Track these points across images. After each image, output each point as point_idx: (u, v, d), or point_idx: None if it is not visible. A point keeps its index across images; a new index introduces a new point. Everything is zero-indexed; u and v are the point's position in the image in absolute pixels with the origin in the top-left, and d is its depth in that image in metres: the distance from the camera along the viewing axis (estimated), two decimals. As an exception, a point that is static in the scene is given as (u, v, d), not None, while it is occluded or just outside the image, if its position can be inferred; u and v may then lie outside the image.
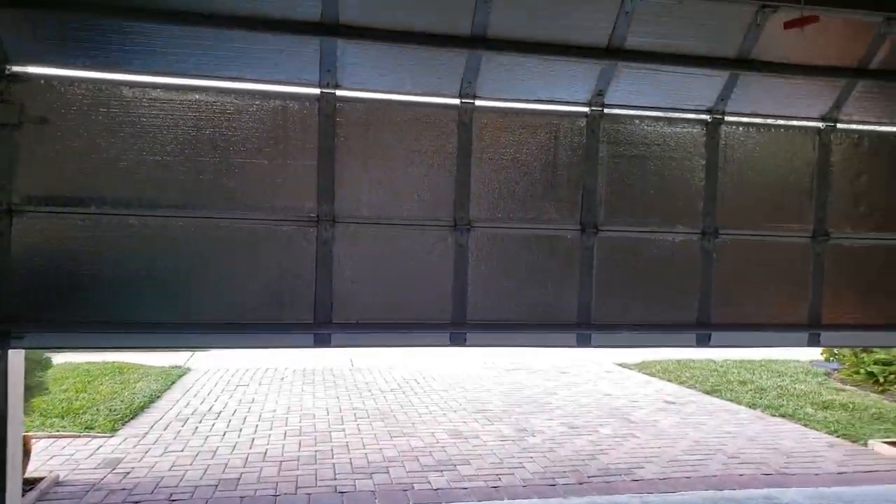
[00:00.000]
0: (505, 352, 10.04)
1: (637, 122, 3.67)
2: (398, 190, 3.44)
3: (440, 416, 6.29)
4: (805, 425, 6.25)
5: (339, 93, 3.32)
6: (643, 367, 9.11)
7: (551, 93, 3.56)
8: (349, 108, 3.33)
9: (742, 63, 3.50)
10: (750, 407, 6.97)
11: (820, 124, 3.89)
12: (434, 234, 3.51)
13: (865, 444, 5.64)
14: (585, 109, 3.60)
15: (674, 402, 7.16)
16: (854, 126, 3.94)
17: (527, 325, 3.69)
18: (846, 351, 8.49)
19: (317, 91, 3.30)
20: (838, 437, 5.88)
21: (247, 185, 3.26)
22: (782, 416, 6.61)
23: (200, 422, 5.92)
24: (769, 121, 3.82)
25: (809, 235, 3.97)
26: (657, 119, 3.70)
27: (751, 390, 7.67)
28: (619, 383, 8.17)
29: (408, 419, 6.17)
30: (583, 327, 3.75)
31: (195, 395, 6.94)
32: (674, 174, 3.76)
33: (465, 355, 9.75)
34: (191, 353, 9.41)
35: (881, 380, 7.98)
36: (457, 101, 3.46)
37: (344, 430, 5.78)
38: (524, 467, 4.91)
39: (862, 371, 8.23)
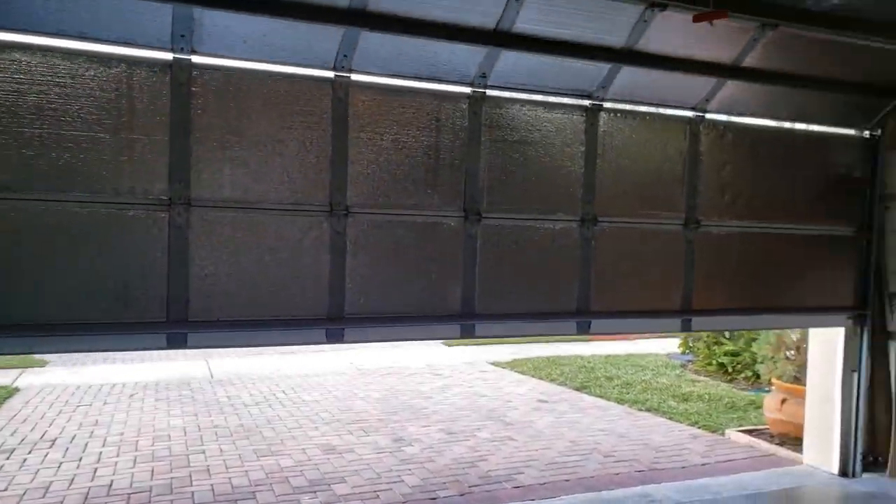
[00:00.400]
0: (378, 355, 9.76)
1: (519, 105, 3.57)
2: (266, 170, 3.06)
3: (311, 430, 5.89)
4: (670, 418, 6.51)
5: (195, 59, 2.89)
6: (515, 366, 9.18)
7: (434, 71, 3.34)
8: (207, 77, 2.91)
9: (626, 55, 3.47)
10: (619, 402, 7.18)
11: (690, 114, 3.98)
12: (307, 220, 3.17)
13: (723, 434, 5.94)
14: (468, 91, 3.43)
15: (547, 401, 7.22)
16: (720, 117, 4.08)
17: (409, 318, 3.47)
18: (700, 344, 9.05)
19: (169, 56, 2.85)
20: (699, 428, 6.17)
21: (84, 163, 2.74)
22: (648, 410, 6.85)
23: (30, 452, 5.12)
24: (645, 108, 3.86)
25: (682, 223, 4.06)
26: (539, 104, 3.63)
27: (618, 385, 7.93)
28: (493, 383, 8.15)
29: (276, 435, 5.71)
30: (467, 317, 3.59)
31: (24, 421, 6.04)
32: (555, 160, 3.70)
33: (336, 361, 9.34)
34: (20, 371, 8.26)
35: (730, 370, 8.57)
36: (331, 75, 3.14)
37: (204, 451, 5.23)
38: (403, 481, 4.65)
39: (714, 362, 8.80)
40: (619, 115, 3.80)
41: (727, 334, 8.64)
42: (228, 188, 2.98)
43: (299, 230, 3.15)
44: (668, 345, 10.99)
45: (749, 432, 5.79)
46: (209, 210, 2.95)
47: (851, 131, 4.60)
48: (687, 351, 9.59)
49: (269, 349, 10.13)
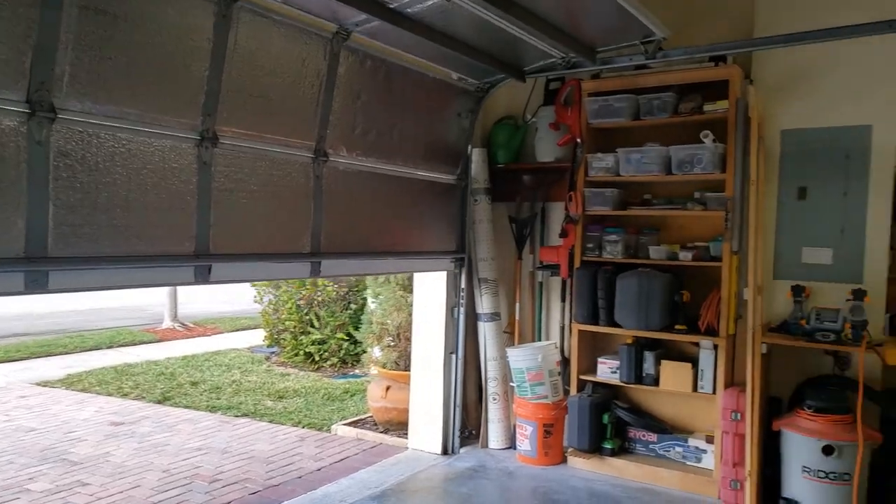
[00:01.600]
0: None
1: None
2: None
3: None
4: (271, 421, 6.03)
5: None
6: (72, 383, 7.44)
7: None
8: None
9: None
10: (210, 411, 6.37)
11: (334, 29, 3.49)
12: None
13: (329, 430, 5.74)
14: None
15: (123, 423, 5.96)
16: (363, 42, 3.71)
17: None
18: (287, 335, 8.78)
19: None
20: (304, 427, 5.85)
21: None
22: (245, 415, 6.24)
23: None
24: (288, 9, 3.20)
25: (311, 154, 3.58)
26: None
27: (206, 391, 7.08)
28: (44, 410, 6.38)
29: None
30: (35, 263, 2.43)
31: None
32: (173, 51, 2.77)
33: None
34: None
35: (317, 358, 8.54)
36: None
37: None
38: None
39: (301, 352, 8.66)
40: (257, 14, 3.06)
41: (316, 323, 8.60)
42: None
43: None
44: (251, 338, 10.51)
45: (355, 424, 5.73)
46: None
47: (471, 87, 4.79)
48: (273, 344, 9.24)
49: None
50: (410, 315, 5.47)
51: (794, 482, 3.69)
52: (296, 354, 8.69)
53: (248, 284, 9.29)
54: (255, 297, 9.21)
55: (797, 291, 3.92)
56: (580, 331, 4.76)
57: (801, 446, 3.65)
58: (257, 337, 10.01)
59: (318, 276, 3.83)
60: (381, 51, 3.89)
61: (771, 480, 3.88)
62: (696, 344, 4.39)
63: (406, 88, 4.21)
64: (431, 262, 4.89)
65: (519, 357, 4.83)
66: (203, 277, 3.10)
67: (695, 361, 4.38)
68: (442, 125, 4.72)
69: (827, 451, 3.54)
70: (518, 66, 4.46)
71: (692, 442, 4.48)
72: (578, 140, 4.77)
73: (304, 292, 8.67)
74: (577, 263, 4.79)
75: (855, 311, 3.65)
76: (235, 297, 14.44)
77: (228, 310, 13.98)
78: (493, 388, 5.08)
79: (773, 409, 4.07)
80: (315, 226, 3.65)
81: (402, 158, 4.31)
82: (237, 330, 11.73)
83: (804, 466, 3.62)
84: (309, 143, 3.55)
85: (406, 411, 5.25)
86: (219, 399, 6.76)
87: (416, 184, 4.56)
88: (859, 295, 3.68)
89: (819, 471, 3.57)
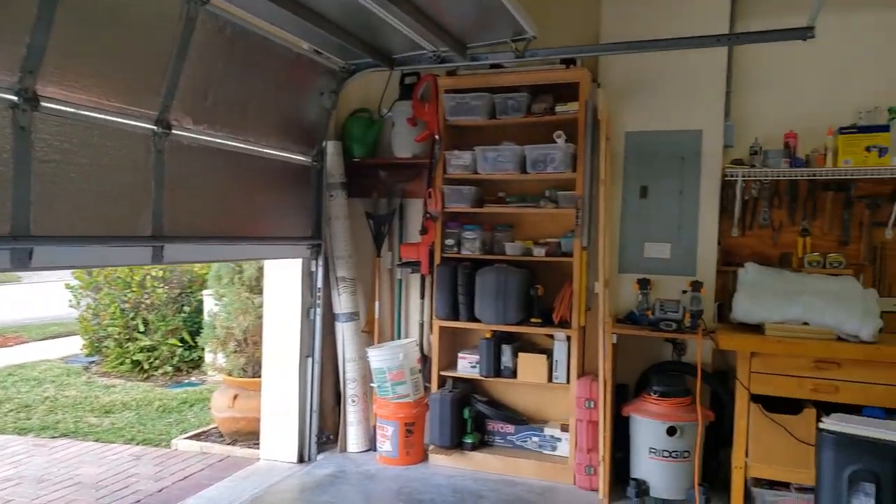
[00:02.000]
0: None
1: None
2: None
3: None
4: (97, 440, 5.37)
5: None
6: None
7: None
8: None
9: None
10: (20, 433, 5.55)
11: None
12: None
13: (169, 446, 5.24)
14: None
15: None
16: (224, 8, 3.36)
17: None
18: (111, 342, 7.93)
19: None
20: (138, 444, 5.28)
21: None
22: (65, 435, 5.51)
23: None
24: None
25: (153, 126, 3.20)
26: None
27: (12, 410, 6.17)
28: None
29: None
30: None
31: None
32: None
33: None
34: None
35: (146, 366, 7.80)
36: None
37: None
38: None
39: (127, 361, 7.86)
40: None
41: (141, 328, 7.84)
42: None
43: None
44: (63, 347, 9.37)
45: (197, 437, 5.28)
46: None
47: (336, 67, 4.57)
48: (93, 352, 8.29)
49: None
50: (259, 318, 5.15)
51: (642, 463, 3.94)
52: (121, 363, 7.88)
53: (61, 287, 8.29)
54: (71, 300, 8.21)
55: (643, 284, 4.19)
56: (441, 327, 4.75)
57: (647, 429, 3.91)
58: (73, 345, 8.96)
59: (161, 263, 3.44)
60: (244, 19, 3.57)
61: (622, 463, 4.13)
62: (551, 336, 4.56)
63: (267, 61, 3.91)
64: (286, 249, 4.61)
65: (380, 357, 4.71)
66: (22, 262, 2.64)
67: (549, 353, 4.54)
68: (302, 103, 4.46)
69: (671, 431, 3.82)
70: (388, 53, 4.33)
71: (548, 431, 4.64)
72: (436, 136, 4.74)
73: (129, 295, 7.88)
74: (437, 260, 4.77)
75: (694, 301, 3.98)
76: (39, 301, 12.83)
77: (34, 316, 12.38)
78: (352, 389, 4.92)
79: (621, 396, 4.32)
80: (156, 207, 3.25)
81: (255, 135, 4.01)
82: (47, 338, 10.41)
83: (651, 448, 3.88)
84: (151, 113, 3.16)
85: (256, 420, 4.93)
86: (29, 419, 5.92)
87: (271, 163, 4.27)
88: (697, 286, 4.01)
89: (664, 450, 3.84)
